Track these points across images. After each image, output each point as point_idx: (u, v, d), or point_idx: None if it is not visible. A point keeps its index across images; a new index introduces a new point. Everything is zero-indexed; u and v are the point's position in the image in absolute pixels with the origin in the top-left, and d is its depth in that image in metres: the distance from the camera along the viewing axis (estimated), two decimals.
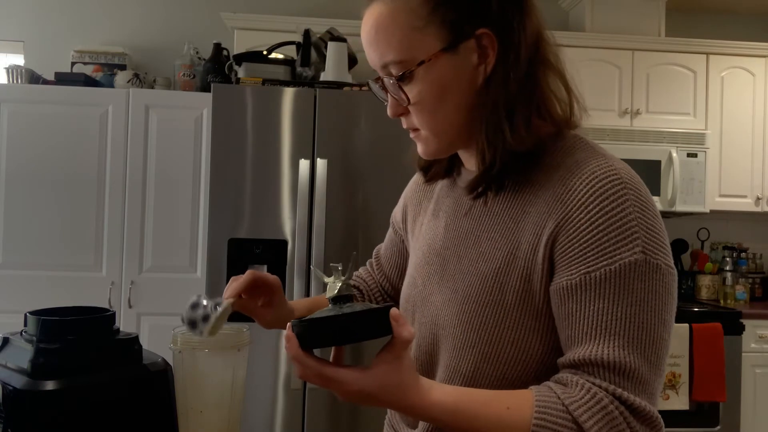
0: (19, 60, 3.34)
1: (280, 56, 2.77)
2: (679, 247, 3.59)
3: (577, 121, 0.82)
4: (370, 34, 0.80)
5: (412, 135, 0.87)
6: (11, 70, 2.98)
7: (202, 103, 2.89)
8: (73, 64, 3.14)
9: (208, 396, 0.83)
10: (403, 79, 0.79)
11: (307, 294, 2.45)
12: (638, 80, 3.34)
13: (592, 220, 0.73)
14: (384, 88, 0.83)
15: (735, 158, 3.38)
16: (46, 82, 3.02)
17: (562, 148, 0.80)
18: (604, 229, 0.72)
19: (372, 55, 0.82)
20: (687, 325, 2.87)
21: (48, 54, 3.32)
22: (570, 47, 3.28)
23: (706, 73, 3.36)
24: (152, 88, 3.11)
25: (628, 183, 0.74)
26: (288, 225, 2.50)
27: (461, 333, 0.82)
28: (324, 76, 2.72)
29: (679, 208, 3.23)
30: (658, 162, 3.23)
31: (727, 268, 3.44)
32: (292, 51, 2.85)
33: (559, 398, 0.70)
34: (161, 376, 0.89)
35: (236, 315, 0.90)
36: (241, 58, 2.75)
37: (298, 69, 2.78)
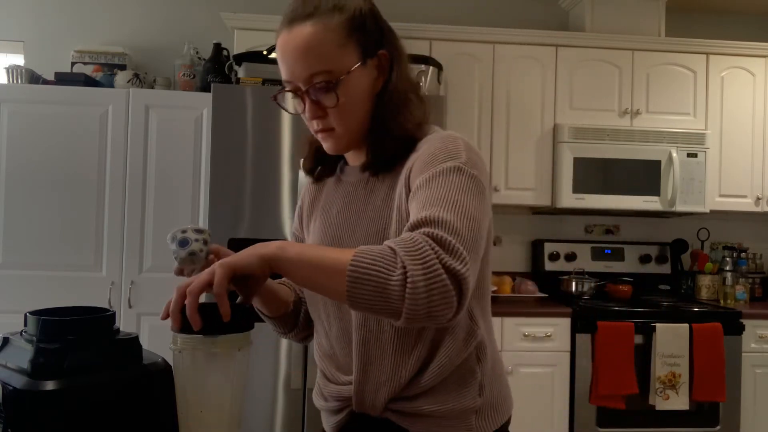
0: (19, 60, 3.34)
1: None
2: (679, 247, 3.59)
3: (429, 119, 1.09)
4: (298, 51, 0.97)
5: (322, 135, 1.05)
6: (11, 70, 2.99)
7: (202, 103, 2.90)
8: (73, 64, 3.14)
9: (208, 396, 0.83)
10: (336, 84, 0.97)
11: None
12: (638, 80, 3.34)
13: (431, 150, 0.97)
14: (301, 96, 1.01)
15: (735, 158, 3.38)
16: (46, 82, 3.02)
17: (423, 137, 1.04)
18: (438, 153, 0.96)
19: (298, 68, 0.98)
20: (687, 325, 2.87)
21: (48, 54, 3.32)
22: (570, 47, 3.29)
23: (706, 73, 3.36)
24: (152, 88, 3.12)
25: (465, 139, 1.00)
26: (288, 225, 2.50)
27: None
28: None
29: (679, 208, 3.23)
30: (658, 162, 3.24)
31: (727, 268, 3.44)
32: None
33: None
34: (161, 376, 0.89)
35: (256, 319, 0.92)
36: (241, 58, 2.75)
37: None
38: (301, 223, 1.22)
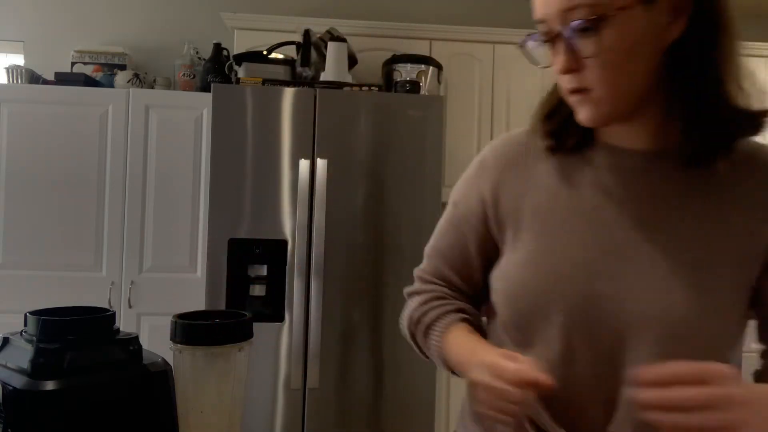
0: (19, 60, 3.34)
1: (280, 56, 2.77)
2: None
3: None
4: None
5: (575, 97, 0.77)
6: (11, 70, 2.99)
7: (202, 103, 2.90)
8: (73, 64, 3.14)
9: (208, 396, 0.83)
10: (597, 24, 0.70)
11: (308, 293, 2.45)
12: None
13: None
14: (553, 41, 0.75)
15: None
16: (46, 82, 3.02)
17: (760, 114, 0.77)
18: None
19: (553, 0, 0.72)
20: None
21: (48, 54, 3.32)
22: None
23: None
24: (152, 88, 3.12)
25: None
26: (288, 225, 2.50)
27: (669, 328, 0.74)
28: (324, 76, 2.72)
29: None
30: None
31: None
32: (292, 51, 2.85)
33: None
34: (161, 376, 0.89)
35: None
36: (241, 58, 2.75)
37: (298, 69, 2.78)
38: (496, 205, 0.88)
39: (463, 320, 0.92)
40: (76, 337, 0.83)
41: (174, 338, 0.85)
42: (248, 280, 2.45)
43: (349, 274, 2.50)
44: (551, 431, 0.79)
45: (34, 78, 3.01)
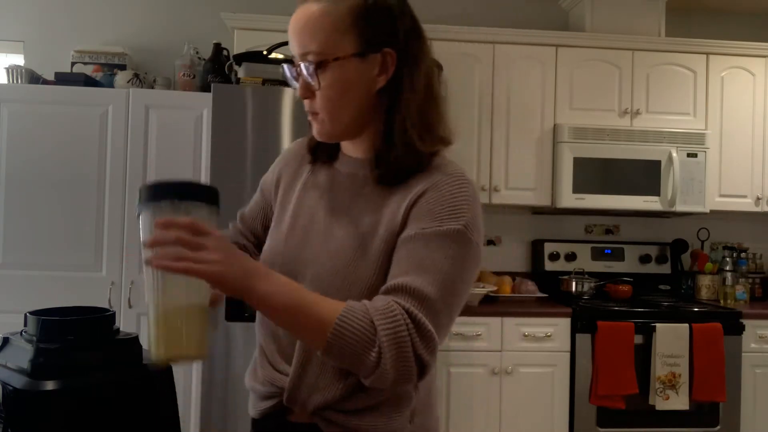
0: (19, 60, 3.34)
1: (280, 56, 2.77)
2: (679, 247, 3.59)
3: (451, 141, 1.06)
4: (299, 26, 0.99)
5: (310, 117, 1.04)
6: (11, 70, 2.98)
7: (202, 103, 2.89)
8: (73, 64, 3.14)
9: (182, 285, 0.81)
10: (319, 66, 0.97)
11: None
12: (638, 80, 3.34)
13: (439, 195, 0.96)
14: (298, 73, 1.01)
15: (735, 158, 3.38)
16: (46, 82, 3.01)
17: (435, 162, 1.02)
18: (444, 203, 0.96)
19: (296, 43, 1.00)
20: (687, 325, 2.87)
21: (48, 54, 3.32)
22: (570, 47, 3.29)
23: (706, 73, 3.36)
24: (152, 88, 3.11)
25: (471, 182, 1.00)
26: None
27: (329, 281, 0.99)
28: None
29: (679, 208, 3.23)
30: (658, 162, 3.24)
31: (727, 268, 3.44)
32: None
33: (365, 305, 0.90)
34: (161, 376, 0.89)
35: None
36: (241, 58, 2.75)
37: None
38: (277, 186, 1.19)
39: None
40: (76, 337, 0.83)
41: (139, 204, 0.82)
42: None
43: None
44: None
45: (34, 78, 3.01)
